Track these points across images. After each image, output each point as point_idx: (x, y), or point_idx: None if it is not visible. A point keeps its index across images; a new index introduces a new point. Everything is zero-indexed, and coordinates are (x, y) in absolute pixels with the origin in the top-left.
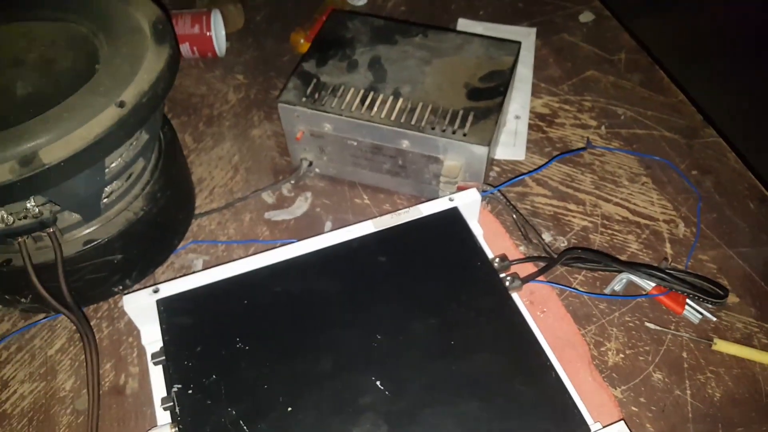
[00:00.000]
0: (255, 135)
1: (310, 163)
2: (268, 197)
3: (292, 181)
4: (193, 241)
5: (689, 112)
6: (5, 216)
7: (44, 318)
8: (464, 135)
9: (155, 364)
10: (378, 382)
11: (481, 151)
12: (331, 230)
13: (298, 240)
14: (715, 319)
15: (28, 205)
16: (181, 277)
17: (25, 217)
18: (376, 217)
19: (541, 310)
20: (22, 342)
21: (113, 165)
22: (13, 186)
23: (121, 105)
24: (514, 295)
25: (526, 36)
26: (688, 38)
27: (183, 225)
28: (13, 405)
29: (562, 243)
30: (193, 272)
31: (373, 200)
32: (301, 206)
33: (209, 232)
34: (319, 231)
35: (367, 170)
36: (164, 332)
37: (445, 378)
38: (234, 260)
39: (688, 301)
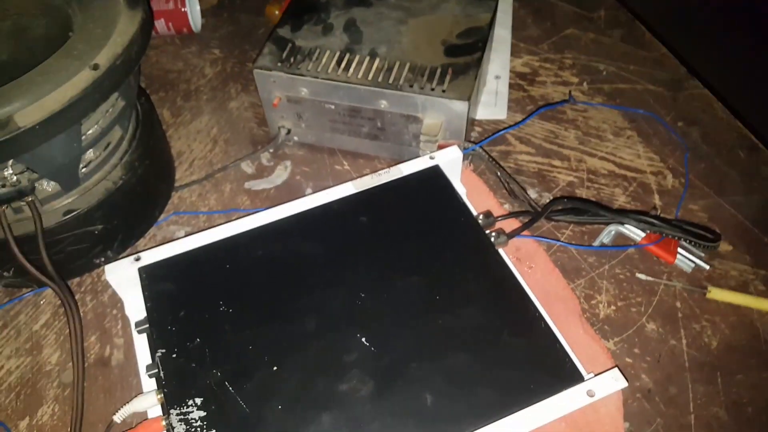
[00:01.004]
0: (233, 107)
1: (288, 131)
2: (247, 167)
3: (271, 150)
4: (175, 212)
5: (672, 65)
6: None
7: (28, 292)
8: (443, 91)
9: (139, 332)
10: (363, 339)
11: (461, 107)
12: None
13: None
14: (708, 267)
15: (6, 173)
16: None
17: (3, 186)
18: None
19: (528, 266)
20: (7, 318)
21: (90, 132)
22: None
23: (95, 68)
24: (501, 251)
25: None
26: None
27: (163, 197)
28: (1, 380)
29: (548, 199)
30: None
31: (353, 166)
32: (280, 175)
33: (190, 203)
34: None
35: (346, 135)
36: (147, 299)
37: (432, 333)
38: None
39: (679, 249)
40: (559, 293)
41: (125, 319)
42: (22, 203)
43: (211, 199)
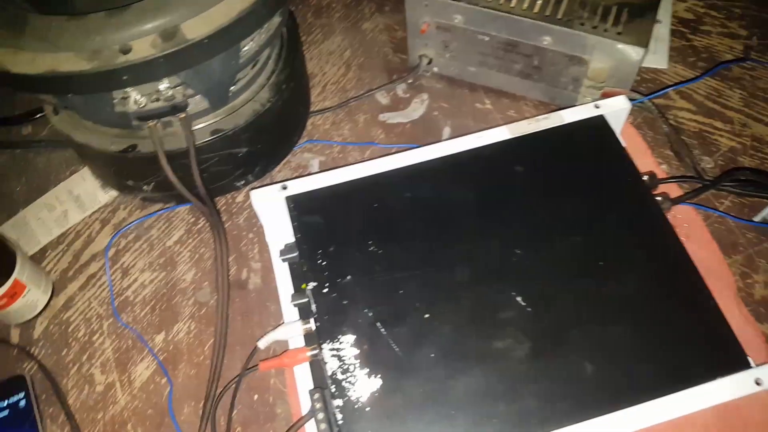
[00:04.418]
0: (366, 29)
1: (430, 61)
2: (382, 98)
3: (409, 81)
4: (309, 140)
5: None
6: (137, 98)
7: (161, 209)
8: (618, 33)
9: (283, 261)
10: (519, 298)
11: (637, 53)
12: (451, 136)
13: (418, 145)
14: None
15: (161, 87)
16: (306, 176)
17: (157, 100)
18: (500, 124)
19: (684, 235)
20: (140, 231)
21: (245, 48)
22: (154, 62)
23: None
24: None
25: None
26: None
27: (302, 120)
28: (135, 293)
29: (708, 164)
30: (310, 173)
31: (496, 105)
32: (417, 109)
33: (324, 131)
34: (436, 136)
35: (494, 71)
36: (296, 230)
37: (593, 299)
38: (351, 163)
39: None
40: (715, 269)
41: (262, 244)
42: (174, 119)
43: (344, 128)
